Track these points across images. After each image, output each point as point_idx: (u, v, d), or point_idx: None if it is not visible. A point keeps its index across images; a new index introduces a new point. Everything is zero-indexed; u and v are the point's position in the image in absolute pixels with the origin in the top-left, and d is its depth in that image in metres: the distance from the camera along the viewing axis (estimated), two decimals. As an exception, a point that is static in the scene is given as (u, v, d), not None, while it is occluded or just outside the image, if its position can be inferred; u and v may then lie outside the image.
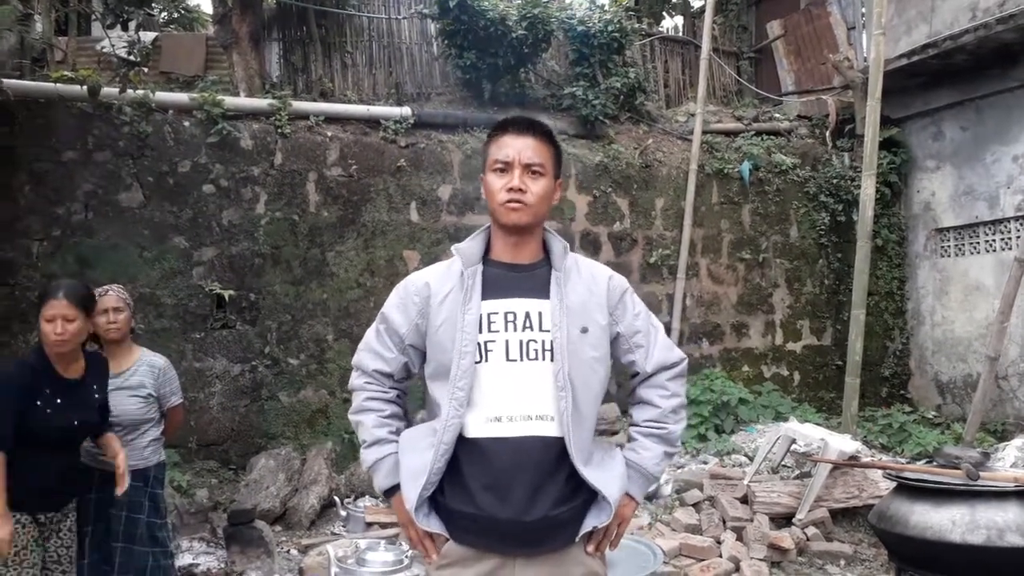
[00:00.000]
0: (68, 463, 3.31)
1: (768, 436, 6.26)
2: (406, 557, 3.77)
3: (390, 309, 2.13)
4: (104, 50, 7.48)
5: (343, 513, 5.67)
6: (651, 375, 2.14)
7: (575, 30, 8.57)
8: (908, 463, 5.02)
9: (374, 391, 2.13)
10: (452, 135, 7.79)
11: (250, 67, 7.60)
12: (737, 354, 8.75)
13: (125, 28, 6.27)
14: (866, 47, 9.05)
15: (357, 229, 7.19)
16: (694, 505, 5.68)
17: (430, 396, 2.06)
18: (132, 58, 5.95)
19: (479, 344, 1.97)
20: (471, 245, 2.09)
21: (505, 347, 1.98)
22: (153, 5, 6.56)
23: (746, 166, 8.81)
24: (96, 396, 3.37)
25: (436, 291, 2.05)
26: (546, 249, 2.13)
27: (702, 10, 10.36)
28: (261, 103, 7.11)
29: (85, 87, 5.58)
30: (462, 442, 1.96)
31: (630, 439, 2.16)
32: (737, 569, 4.79)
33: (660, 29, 11.04)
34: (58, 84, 6.14)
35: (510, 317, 2.00)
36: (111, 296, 3.77)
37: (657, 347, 2.14)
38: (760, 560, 4.89)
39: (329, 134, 7.25)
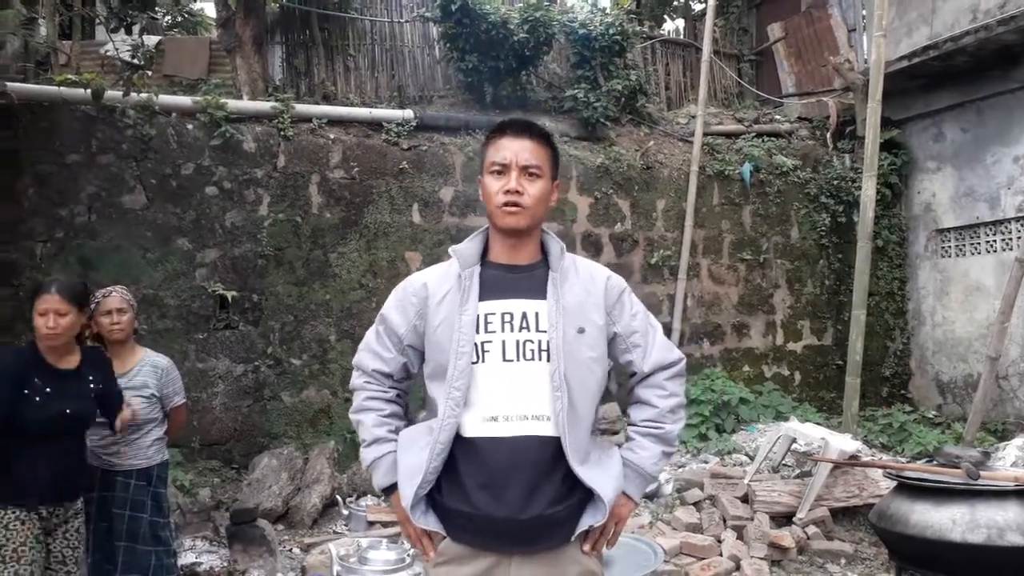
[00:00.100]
0: (69, 456, 3.29)
1: (769, 435, 6.27)
2: (408, 556, 3.79)
3: (389, 310, 2.15)
4: (108, 54, 7.53)
5: (345, 512, 5.70)
6: (649, 375, 2.14)
7: (576, 33, 8.60)
8: (908, 462, 5.03)
9: (374, 391, 2.15)
10: (454, 137, 7.83)
11: (253, 70, 7.64)
12: (738, 354, 8.77)
13: (129, 32, 6.28)
14: (867, 49, 9.07)
15: (359, 230, 7.22)
16: (695, 504, 5.69)
17: (429, 396, 2.08)
18: (136, 61, 5.97)
19: (476, 344, 1.99)
20: (468, 247, 2.11)
21: (502, 347, 1.99)
22: (157, 9, 6.59)
23: (747, 168, 8.83)
24: (92, 386, 3.37)
25: (434, 292, 2.07)
26: (544, 250, 2.14)
27: (703, 13, 10.40)
28: (264, 106, 7.15)
29: (89, 90, 5.61)
30: (459, 441, 1.98)
31: (628, 439, 2.17)
32: (738, 568, 4.80)
33: (661, 32, 11.09)
34: (62, 87, 6.18)
35: (507, 318, 2.01)
36: (115, 297, 3.80)
37: (655, 347, 2.15)
38: (760, 559, 4.90)
39: (332, 136, 7.29)
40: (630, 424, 2.19)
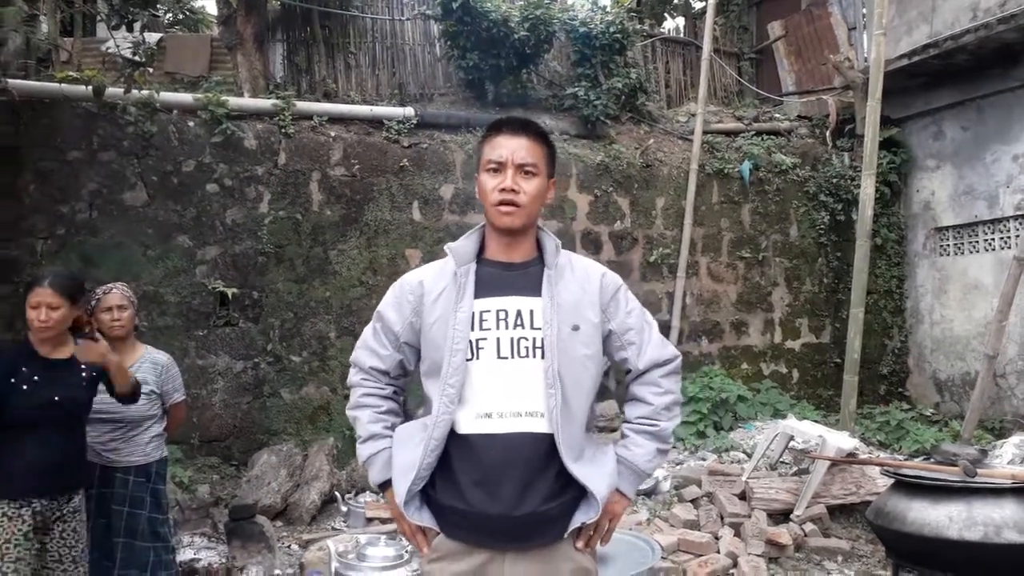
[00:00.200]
0: (63, 448, 3.25)
1: (766, 433, 6.29)
2: (406, 552, 3.81)
3: (386, 307, 2.16)
4: (109, 51, 7.54)
5: (344, 509, 5.72)
6: (644, 372, 2.15)
7: (577, 31, 8.60)
8: (906, 460, 5.04)
9: (371, 387, 2.17)
10: (455, 135, 7.84)
11: (254, 68, 7.65)
12: (736, 352, 8.79)
13: (130, 29, 6.29)
14: (867, 47, 9.07)
15: (360, 228, 7.23)
16: (692, 501, 5.71)
17: (424, 393, 2.09)
18: (137, 59, 5.98)
19: (471, 342, 2.00)
20: (464, 244, 2.11)
21: (496, 344, 2.00)
22: (158, 6, 6.61)
23: (746, 166, 8.84)
24: (83, 374, 3.35)
25: (430, 289, 2.08)
26: (540, 247, 2.15)
27: (703, 11, 10.40)
28: (265, 103, 7.16)
29: (90, 87, 5.62)
30: (453, 438, 1.99)
31: (623, 435, 2.18)
32: (735, 565, 4.81)
33: (661, 30, 11.08)
34: (63, 84, 6.19)
35: (502, 315, 2.02)
36: (115, 294, 3.81)
37: (650, 344, 2.15)
38: (758, 556, 4.91)
39: (332, 134, 7.30)
40: (625, 421, 2.19)
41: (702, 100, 8.96)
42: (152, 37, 7.92)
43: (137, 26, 6.35)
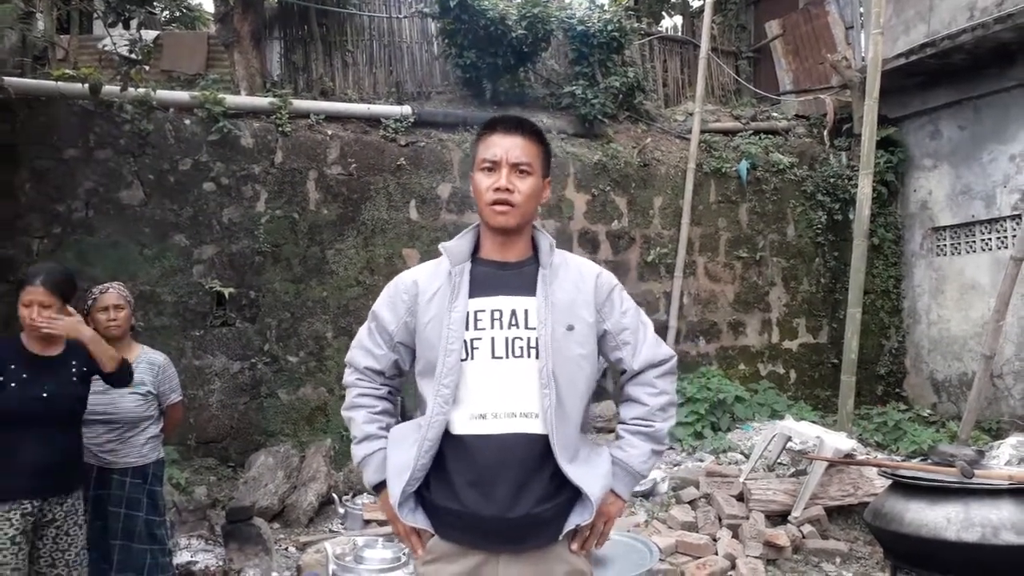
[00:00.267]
0: (54, 447, 3.20)
1: (764, 434, 6.29)
2: (404, 554, 3.79)
3: (380, 307, 2.15)
4: (106, 48, 7.51)
5: (341, 510, 5.70)
6: (639, 372, 2.13)
7: (575, 29, 8.59)
8: (903, 461, 5.05)
9: (365, 388, 2.16)
10: (452, 134, 7.82)
11: (251, 66, 7.62)
12: (734, 352, 8.79)
13: (127, 26, 6.28)
14: (864, 47, 9.07)
15: (357, 227, 7.22)
16: (690, 503, 5.70)
17: (419, 393, 2.08)
18: (133, 56, 5.96)
19: (465, 342, 1.99)
20: (459, 244, 2.11)
21: (491, 344, 1.99)
22: (155, 3, 6.57)
23: (744, 165, 8.84)
24: (74, 370, 3.30)
25: (424, 289, 2.07)
26: (535, 246, 2.14)
27: (701, 10, 10.37)
28: (262, 101, 7.14)
29: (86, 85, 5.60)
30: (448, 439, 1.98)
31: (618, 437, 2.17)
32: (733, 567, 4.81)
33: (659, 29, 11.07)
34: (59, 82, 6.15)
35: (496, 315, 2.01)
36: (112, 293, 3.79)
37: (645, 344, 2.13)
38: (756, 558, 4.91)
39: (329, 132, 7.28)
40: (620, 422, 2.18)
41: (700, 99, 8.95)
42: (149, 35, 7.88)
43: (134, 23, 6.33)
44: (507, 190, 2.01)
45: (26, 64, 6.70)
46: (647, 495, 6.00)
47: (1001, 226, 8.34)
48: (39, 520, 3.18)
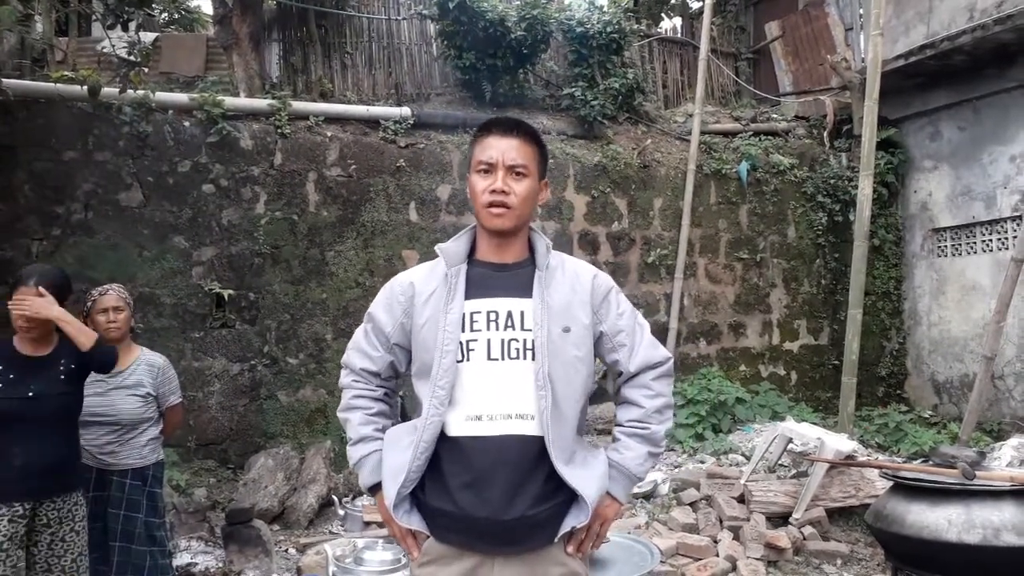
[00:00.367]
0: (46, 448, 3.15)
1: (765, 435, 6.27)
2: (403, 556, 3.78)
3: (376, 309, 2.15)
4: (104, 50, 7.50)
5: (341, 512, 5.68)
6: (635, 375, 2.13)
7: (574, 31, 8.59)
8: (904, 462, 5.04)
9: (361, 389, 2.15)
10: (451, 135, 7.82)
11: (250, 68, 7.61)
12: (734, 354, 8.78)
13: (125, 29, 6.27)
14: (864, 48, 9.07)
15: (356, 229, 7.21)
16: (691, 504, 5.69)
17: (415, 395, 2.07)
18: (132, 58, 5.95)
19: (461, 343, 1.98)
20: (455, 245, 2.10)
21: (487, 346, 1.99)
22: (153, 6, 6.56)
23: (744, 166, 8.84)
24: (62, 368, 3.26)
25: (420, 291, 2.07)
26: (531, 248, 2.14)
27: (700, 11, 10.37)
28: (261, 103, 7.13)
29: (85, 87, 5.59)
30: (443, 440, 1.98)
31: (614, 439, 2.16)
32: (734, 568, 4.81)
33: (659, 30, 11.07)
34: (58, 84, 6.15)
35: (492, 316, 2.01)
36: (111, 295, 3.79)
37: (642, 346, 2.13)
38: (757, 559, 4.90)
39: (329, 134, 7.27)
40: (616, 424, 2.18)
41: (699, 100, 8.95)
42: (147, 37, 7.88)
43: (132, 26, 6.32)
44: (503, 192, 2.01)
45: (25, 66, 6.70)
46: (648, 497, 5.99)
47: (1002, 227, 8.33)
48: (33, 524, 3.14)
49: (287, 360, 6.86)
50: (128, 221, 6.43)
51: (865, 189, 7.30)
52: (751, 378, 8.71)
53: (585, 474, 2.00)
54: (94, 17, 7.07)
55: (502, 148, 2.03)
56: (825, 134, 9.51)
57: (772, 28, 10.78)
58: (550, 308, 2.01)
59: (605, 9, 9.18)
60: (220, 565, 4.73)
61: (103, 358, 3.34)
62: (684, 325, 8.48)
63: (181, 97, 6.88)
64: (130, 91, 5.94)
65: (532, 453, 1.95)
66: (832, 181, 9.14)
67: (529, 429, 1.96)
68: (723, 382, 7.92)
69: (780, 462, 6.24)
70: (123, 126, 6.42)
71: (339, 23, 8.46)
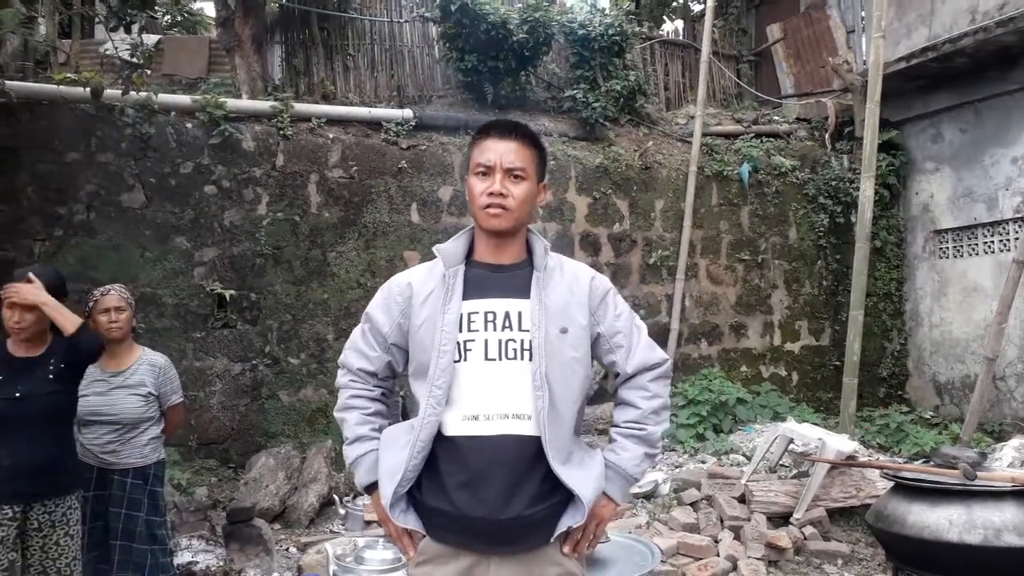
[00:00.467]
0: (36, 449, 3.14)
1: (766, 436, 6.27)
2: (403, 555, 3.78)
3: (374, 309, 2.16)
4: (107, 52, 7.53)
5: (342, 511, 5.69)
6: (632, 376, 2.14)
7: (576, 33, 8.60)
8: (905, 463, 5.04)
9: (358, 389, 2.16)
10: (453, 137, 7.83)
11: (252, 70, 7.63)
12: (736, 354, 8.78)
13: (128, 31, 6.28)
14: (865, 50, 9.08)
15: (358, 230, 7.22)
16: (692, 504, 5.69)
17: (412, 395, 2.08)
18: (135, 60, 5.97)
19: (458, 343, 1.99)
20: (453, 246, 2.11)
21: (484, 346, 1.99)
22: (156, 8, 6.60)
23: (745, 168, 8.84)
24: (51, 367, 3.24)
25: (418, 291, 2.08)
26: (529, 250, 2.15)
27: (702, 14, 10.40)
28: (263, 105, 7.15)
29: (88, 89, 5.61)
30: (440, 440, 1.98)
31: (611, 440, 2.16)
32: (734, 568, 4.81)
33: (660, 32, 11.08)
34: (61, 86, 6.17)
35: (490, 317, 2.02)
36: (113, 296, 3.81)
37: (639, 348, 2.14)
38: (757, 559, 4.90)
39: (331, 136, 7.29)
40: (613, 425, 2.18)
41: (701, 102, 8.96)
42: (150, 39, 7.91)
43: (135, 28, 6.34)
44: (500, 195, 2.02)
45: (28, 68, 6.72)
46: (649, 496, 5.99)
47: (1003, 229, 8.32)
48: (25, 528, 3.11)
49: (288, 360, 6.87)
50: (130, 222, 6.45)
51: (867, 191, 7.30)
52: (752, 379, 8.71)
53: (581, 474, 2.01)
54: (97, 19, 7.11)
55: (500, 151, 2.04)
56: (827, 136, 9.51)
57: (774, 30, 10.78)
58: (548, 309, 2.02)
59: (607, 11, 9.18)
60: (221, 564, 4.74)
61: (87, 343, 3.30)
62: (685, 326, 8.48)
63: (183, 99, 6.90)
64: (133, 93, 5.96)
65: (529, 453, 1.96)
66: (834, 183, 9.14)
67: (526, 429, 1.97)
68: (724, 383, 7.92)
69: (781, 462, 6.24)
70: (125, 128, 6.44)
71: (341, 25, 8.48)
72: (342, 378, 2.20)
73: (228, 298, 6.63)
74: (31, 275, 3.26)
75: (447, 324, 1.99)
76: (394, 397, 2.26)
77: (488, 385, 1.98)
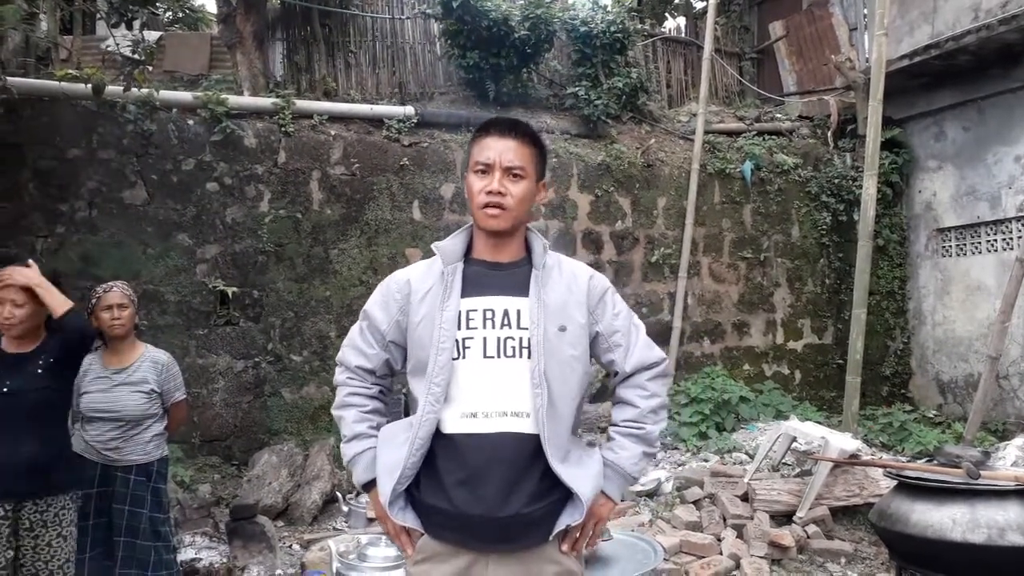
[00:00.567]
0: (26, 447, 3.11)
1: (769, 434, 6.27)
2: (408, 553, 3.78)
3: (372, 307, 2.15)
4: (109, 49, 7.52)
5: (345, 509, 5.65)
6: (630, 375, 2.13)
7: (578, 30, 8.59)
8: (909, 462, 5.03)
9: (356, 387, 2.16)
10: (455, 134, 7.82)
11: (254, 66, 7.62)
12: (738, 352, 8.77)
13: (130, 27, 6.27)
14: (868, 48, 9.07)
15: (360, 227, 7.22)
16: (695, 502, 5.69)
17: (410, 392, 2.07)
18: (136, 57, 5.96)
19: (457, 341, 1.98)
20: (452, 243, 2.10)
21: (483, 344, 1.99)
22: (158, 4, 6.58)
23: (748, 166, 8.83)
24: (41, 361, 3.23)
25: (416, 288, 2.07)
26: (528, 248, 2.14)
27: (704, 11, 10.39)
28: (265, 102, 7.14)
29: (89, 85, 5.60)
30: (438, 437, 1.98)
31: (609, 438, 2.16)
32: (737, 567, 4.80)
33: (662, 30, 11.06)
34: (63, 82, 6.17)
35: (488, 314, 2.01)
36: (115, 293, 3.80)
37: (637, 347, 2.13)
38: (760, 558, 4.89)
39: (332, 133, 7.28)
40: (611, 424, 2.18)
41: (703, 100, 8.95)
42: (152, 35, 7.89)
43: (137, 24, 6.32)
44: (499, 193, 2.01)
45: (29, 64, 6.71)
46: (651, 495, 5.98)
47: (1007, 227, 8.31)
48: (18, 526, 3.08)
49: (291, 357, 6.87)
50: (132, 219, 6.44)
51: (869, 189, 7.29)
52: (755, 377, 8.70)
53: (580, 473, 2.01)
54: (98, 16, 7.08)
55: (499, 149, 2.04)
56: (829, 134, 9.50)
57: (776, 28, 10.76)
58: (546, 307, 2.02)
59: (609, 8, 9.17)
60: (224, 561, 4.73)
61: (74, 324, 3.29)
62: (688, 324, 8.48)
63: (185, 95, 6.89)
64: (134, 89, 5.95)
65: (527, 451, 1.96)
66: (836, 181, 9.13)
67: (524, 427, 1.96)
68: (727, 381, 7.91)
69: (784, 461, 6.23)
70: (127, 124, 6.44)
71: (343, 22, 8.47)
72: (340, 375, 2.20)
73: (230, 295, 6.63)
74: (31, 262, 3.28)
75: (445, 321, 1.99)
76: (396, 395, 2.25)
77: (487, 383, 1.98)
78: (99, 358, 3.81)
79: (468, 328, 2.00)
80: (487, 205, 2.02)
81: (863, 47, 9.61)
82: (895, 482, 4.36)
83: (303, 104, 7.32)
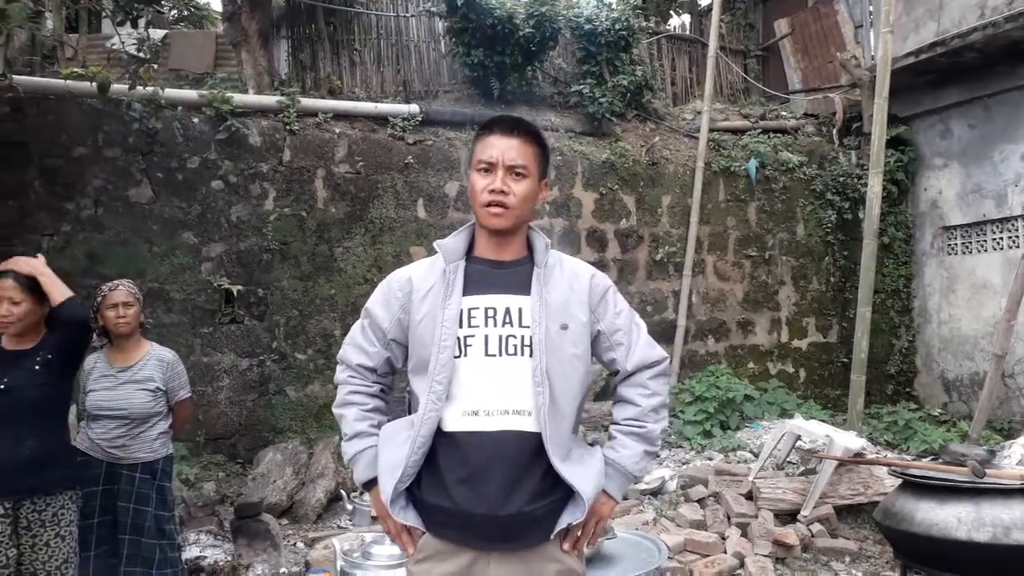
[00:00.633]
0: (23, 444, 3.10)
1: (773, 433, 6.27)
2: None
3: (374, 305, 2.15)
4: (114, 47, 7.53)
5: (349, 507, 5.68)
6: (632, 373, 2.14)
7: (582, 28, 8.58)
8: (914, 460, 5.02)
9: (357, 385, 2.15)
10: (460, 132, 7.82)
11: (259, 64, 7.63)
12: (743, 351, 8.76)
13: (135, 25, 6.29)
14: (874, 45, 9.04)
15: (365, 225, 7.22)
16: (699, 501, 5.69)
17: (412, 390, 2.07)
18: (142, 55, 5.98)
19: (459, 339, 1.99)
20: (454, 242, 2.11)
21: (484, 342, 1.99)
22: (163, 3, 6.59)
23: (753, 164, 8.81)
24: (38, 358, 3.22)
25: (418, 287, 2.07)
26: (530, 246, 2.14)
27: (709, 8, 10.34)
28: (270, 100, 7.15)
29: (95, 84, 5.62)
30: (440, 436, 1.98)
31: (610, 437, 2.16)
32: (742, 565, 4.80)
33: (667, 27, 11.05)
34: (68, 81, 6.18)
35: (490, 312, 2.01)
36: (121, 291, 3.81)
37: (639, 345, 2.14)
38: (765, 556, 4.89)
39: (337, 131, 7.28)
40: (613, 423, 2.18)
41: (708, 98, 8.93)
42: (157, 34, 7.91)
43: (142, 22, 6.34)
44: (502, 192, 2.01)
45: (35, 63, 6.74)
46: (656, 493, 5.98)
47: (1013, 225, 8.28)
48: (17, 524, 3.08)
49: (296, 356, 6.88)
50: (138, 217, 6.46)
51: (875, 187, 7.27)
52: (759, 375, 8.69)
53: (582, 471, 2.01)
54: (104, 14, 7.11)
55: (502, 148, 2.04)
56: (834, 132, 9.48)
57: (781, 25, 10.74)
58: (548, 305, 2.02)
59: (613, 6, 9.15)
60: (229, 559, 4.74)
61: (71, 311, 3.28)
62: (692, 322, 8.47)
63: (190, 94, 6.90)
64: (140, 88, 5.97)
65: (529, 449, 1.96)
66: (841, 179, 9.11)
67: (526, 425, 1.96)
68: (731, 379, 7.90)
69: (788, 459, 6.23)
70: (133, 122, 6.44)
71: (348, 20, 8.47)
72: (341, 374, 2.19)
73: (235, 293, 6.64)
74: (40, 256, 3.31)
75: (447, 320, 1.99)
76: (399, 393, 2.25)
77: (488, 381, 1.98)
78: (105, 356, 3.82)
79: (470, 326, 2.00)
80: (490, 203, 2.02)
81: (868, 44, 9.58)
82: (900, 481, 4.35)
83: (308, 102, 7.32)
